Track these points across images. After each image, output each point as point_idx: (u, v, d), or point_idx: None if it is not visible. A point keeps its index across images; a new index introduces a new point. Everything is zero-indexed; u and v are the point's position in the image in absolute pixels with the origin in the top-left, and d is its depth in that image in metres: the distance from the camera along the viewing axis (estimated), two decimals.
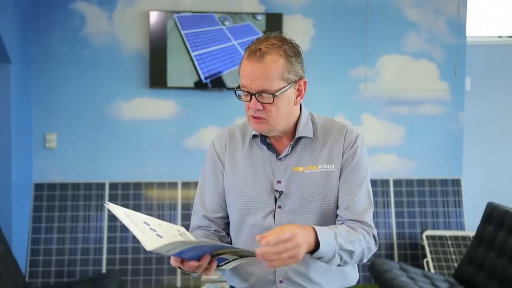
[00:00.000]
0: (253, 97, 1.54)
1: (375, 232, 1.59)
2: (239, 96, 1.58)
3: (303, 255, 1.38)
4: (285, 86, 1.54)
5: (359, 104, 4.64)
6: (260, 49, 1.53)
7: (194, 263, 1.38)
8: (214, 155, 1.69)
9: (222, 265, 1.49)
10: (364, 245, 1.53)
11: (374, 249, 1.59)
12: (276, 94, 1.53)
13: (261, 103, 1.54)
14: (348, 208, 1.57)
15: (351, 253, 1.49)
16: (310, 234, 1.41)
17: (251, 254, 1.41)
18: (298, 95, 1.60)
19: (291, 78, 1.55)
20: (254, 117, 1.57)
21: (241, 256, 1.45)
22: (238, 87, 1.57)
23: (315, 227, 1.44)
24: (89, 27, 4.44)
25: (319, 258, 1.46)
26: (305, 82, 1.60)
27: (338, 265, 1.51)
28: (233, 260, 1.46)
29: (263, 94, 1.53)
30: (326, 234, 1.44)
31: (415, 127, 4.68)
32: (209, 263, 1.41)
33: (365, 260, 1.57)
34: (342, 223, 1.57)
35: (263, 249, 1.34)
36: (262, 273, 1.60)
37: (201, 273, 1.44)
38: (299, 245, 1.36)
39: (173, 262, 1.39)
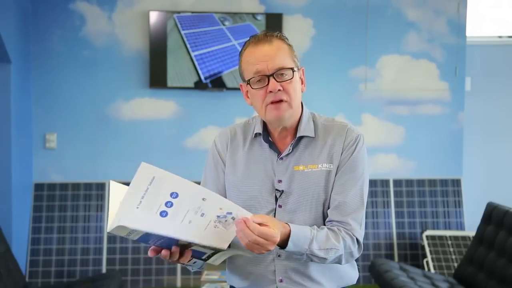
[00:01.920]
0: (272, 78, 1.54)
1: (359, 235, 1.57)
2: (254, 84, 1.55)
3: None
4: (297, 66, 1.59)
5: (359, 104, 4.64)
6: (265, 33, 1.58)
7: (166, 252, 1.40)
8: (216, 153, 1.70)
9: (205, 259, 1.47)
10: (342, 252, 1.53)
11: (356, 254, 1.58)
12: (294, 69, 1.56)
13: (280, 82, 1.54)
14: (337, 208, 1.57)
15: (323, 259, 1.51)
16: (284, 231, 1.44)
17: (215, 250, 1.42)
18: (301, 83, 1.63)
19: (297, 63, 1.61)
20: (273, 103, 1.55)
21: (217, 250, 1.44)
22: (248, 81, 1.57)
23: (293, 229, 1.45)
24: (89, 27, 4.44)
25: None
26: (303, 70, 1.64)
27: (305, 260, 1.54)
28: (212, 254, 1.45)
29: (283, 71, 1.54)
30: (300, 238, 1.46)
31: (415, 127, 4.68)
32: (184, 252, 1.43)
33: (344, 263, 1.58)
34: (330, 224, 1.58)
35: (244, 229, 1.35)
36: (262, 272, 1.60)
37: (177, 261, 1.45)
38: (268, 249, 1.38)
39: (149, 252, 1.41)
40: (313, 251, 1.48)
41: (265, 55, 1.54)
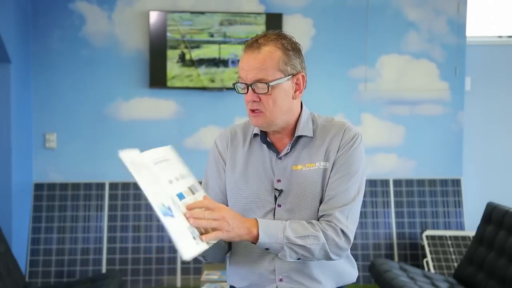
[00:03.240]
0: (249, 88, 1.55)
1: (344, 227, 1.54)
2: (238, 89, 1.59)
3: (233, 233, 1.44)
4: (281, 77, 1.55)
5: (359, 104, 4.64)
6: (257, 40, 1.56)
7: None
8: (217, 154, 1.71)
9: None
10: (323, 240, 1.51)
11: (343, 245, 1.55)
12: (271, 84, 1.53)
13: (258, 94, 1.55)
14: (326, 203, 1.57)
15: (305, 248, 1.50)
16: (251, 223, 1.47)
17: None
18: (296, 90, 1.60)
19: (288, 71, 1.56)
20: (252, 111, 1.58)
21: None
22: (237, 82, 1.59)
23: (260, 219, 1.50)
24: (89, 26, 4.44)
25: (267, 249, 1.51)
26: (303, 76, 1.61)
27: (299, 259, 1.53)
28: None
29: (259, 84, 1.54)
30: (270, 227, 1.48)
31: (415, 127, 4.68)
32: None
33: (335, 257, 1.56)
34: (319, 218, 1.57)
35: (193, 205, 1.43)
36: (262, 271, 1.61)
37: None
38: (224, 218, 1.42)
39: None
40: (290, 238, 1.48)
41: (248, 64, 1.55)
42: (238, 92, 1.60)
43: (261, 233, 1.47)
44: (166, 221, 1.36)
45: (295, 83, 1.59)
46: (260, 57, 1.54)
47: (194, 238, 1.40)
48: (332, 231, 1.53)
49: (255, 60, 1.54)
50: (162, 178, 1.44)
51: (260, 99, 1.55)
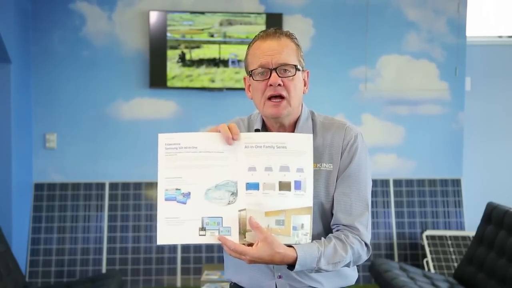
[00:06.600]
0: (274, 72, 1.55)
1: (367, 238, 1.58)
2: (256, 76, 1.58)
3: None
4: (302, 66, 1.60)
5: (359, 104, 4.64)
6: (276, 30, 1.60)
7: None
8: None
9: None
10: (350, 260, 1.53)
11: (365, 257, 1.58)
12: (298, 67, 1.57)
13: (281, 78, 1.55)
14: (342, 212, 1.57)
15: (329, 271, 1.52)
16: (287, 258, 1.43)
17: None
18: (304, 85, 1.64)
19: (302, 63, 1.61)
20: (273, 100, 1.56)
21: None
22: (250, 73, 1.59)
23: (300, 252, 1.43)
24: (89, 27, 4.44)
25: None
26: (308, 73, 1.65)
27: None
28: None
29: (285, 67, 1.55)
30: (307, 260, 1.44)
31: (415, 127, 4.68)
32: None
33: (352, 266, 1.59)
34: (336, 229, 1.57)
35: (234, 245, 1.42)
36: (261, 268, 1.60)
37: None
38: (250, 260, 1.42)
39: None
40: (321, 267, 1.48)
41: (271, 50, 1.56)
42: (255, 80, 1.58)
43: (297, 267, 1.44)
44: (165, 205, 1.43)
45: (303, 78, 1.63)
46: (283, 43, 1.57)
47: (203, 228, 1.41)
48: (358, 244, 1.55)
49: (279, 45, 1.56)
50: (241, 164, 1.46)
51: (283, 84, 1.56)
